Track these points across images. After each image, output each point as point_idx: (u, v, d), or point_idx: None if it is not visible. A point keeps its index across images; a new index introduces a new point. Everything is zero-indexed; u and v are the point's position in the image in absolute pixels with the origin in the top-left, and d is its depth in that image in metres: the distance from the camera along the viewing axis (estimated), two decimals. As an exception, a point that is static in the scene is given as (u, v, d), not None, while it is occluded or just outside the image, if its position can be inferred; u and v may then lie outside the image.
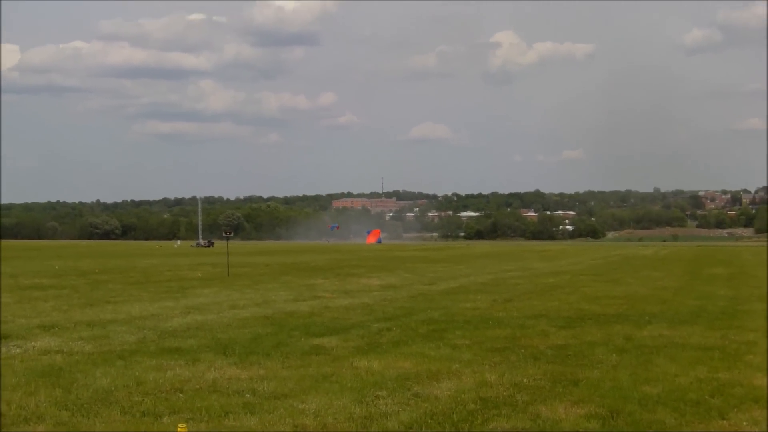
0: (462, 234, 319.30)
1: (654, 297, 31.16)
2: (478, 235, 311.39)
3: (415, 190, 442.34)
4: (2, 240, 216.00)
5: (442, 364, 15.30)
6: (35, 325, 21.21)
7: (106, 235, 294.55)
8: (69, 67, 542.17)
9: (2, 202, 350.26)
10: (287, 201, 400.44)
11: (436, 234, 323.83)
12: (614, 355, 16.57)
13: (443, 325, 21.60)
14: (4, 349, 17.01)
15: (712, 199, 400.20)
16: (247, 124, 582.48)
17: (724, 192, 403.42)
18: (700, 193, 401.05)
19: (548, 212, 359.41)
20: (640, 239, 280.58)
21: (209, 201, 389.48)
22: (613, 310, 25.92)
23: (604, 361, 15.76)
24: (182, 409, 11.87)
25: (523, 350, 17.10)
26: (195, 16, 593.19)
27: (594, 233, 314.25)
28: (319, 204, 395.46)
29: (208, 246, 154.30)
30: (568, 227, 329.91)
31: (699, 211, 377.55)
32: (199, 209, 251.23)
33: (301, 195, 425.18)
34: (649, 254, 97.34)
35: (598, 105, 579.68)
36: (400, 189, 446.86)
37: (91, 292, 32.51)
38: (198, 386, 13.33)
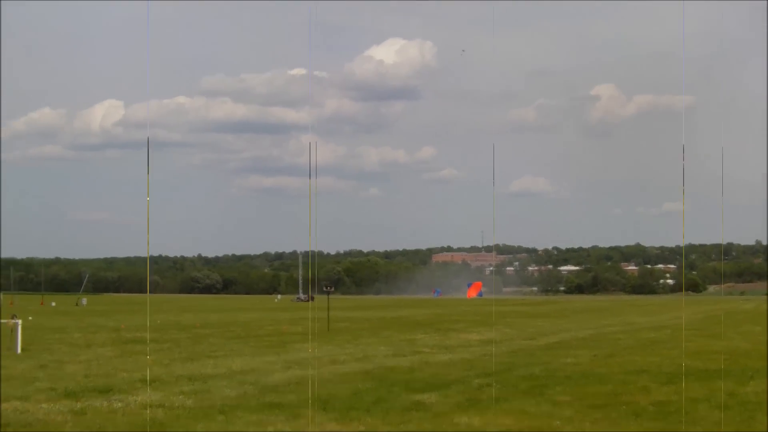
0: (562, 288, 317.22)
1: (756, 352, 30.60)
2: (579, 289, 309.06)
3: (515, 243, 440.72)
4: (106, 294, 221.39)
5: (542, 421, 15.20)
6: (137, 378, 21.52)
7: (207, 290, 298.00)
8: (171, 122, 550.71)
9: (106, 257, 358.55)
10: (387, 255, 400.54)
11: (536, 288, 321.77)
12: (717, 411, 16.30)
13: (543, 380, 21.44)
14: (106, 403, 17.28)
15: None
16: (348, 178, 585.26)
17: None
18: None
19: (649, 266, 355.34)
20: (742, 293, 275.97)
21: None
22: (715, 365, 25.46)
23: (706, 418, 15.52)
24: (283, 464, 11.93)
25: (624, 406, 16.91)
26: (296, 71, 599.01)
27: (695, 287, 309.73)
28: (419, 258, 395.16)
29: (308, 300, 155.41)
30: (669, 281, 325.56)
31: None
32: (300, 263, 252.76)
33: (401, 249, 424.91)
34: (751, 308, 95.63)
35: (698, 156, 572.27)
36: (500, 243, 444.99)
37: (192, 346, 32.87)
38: (298, 441, 13.39)
